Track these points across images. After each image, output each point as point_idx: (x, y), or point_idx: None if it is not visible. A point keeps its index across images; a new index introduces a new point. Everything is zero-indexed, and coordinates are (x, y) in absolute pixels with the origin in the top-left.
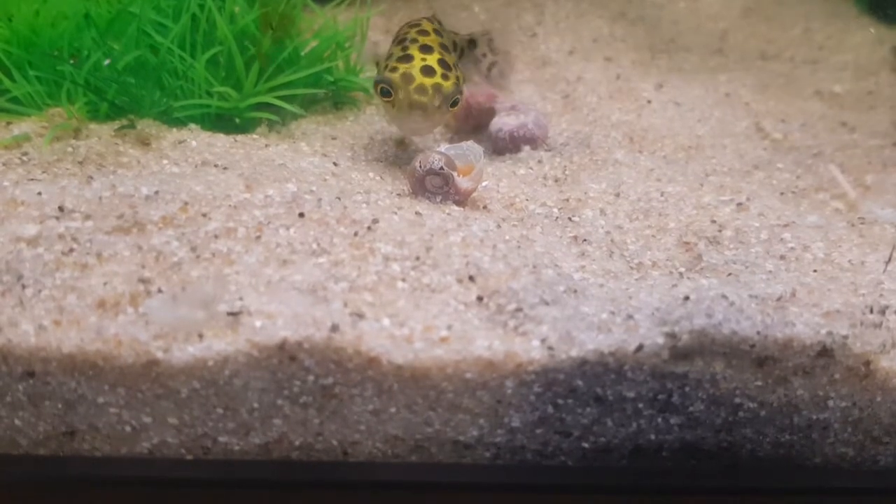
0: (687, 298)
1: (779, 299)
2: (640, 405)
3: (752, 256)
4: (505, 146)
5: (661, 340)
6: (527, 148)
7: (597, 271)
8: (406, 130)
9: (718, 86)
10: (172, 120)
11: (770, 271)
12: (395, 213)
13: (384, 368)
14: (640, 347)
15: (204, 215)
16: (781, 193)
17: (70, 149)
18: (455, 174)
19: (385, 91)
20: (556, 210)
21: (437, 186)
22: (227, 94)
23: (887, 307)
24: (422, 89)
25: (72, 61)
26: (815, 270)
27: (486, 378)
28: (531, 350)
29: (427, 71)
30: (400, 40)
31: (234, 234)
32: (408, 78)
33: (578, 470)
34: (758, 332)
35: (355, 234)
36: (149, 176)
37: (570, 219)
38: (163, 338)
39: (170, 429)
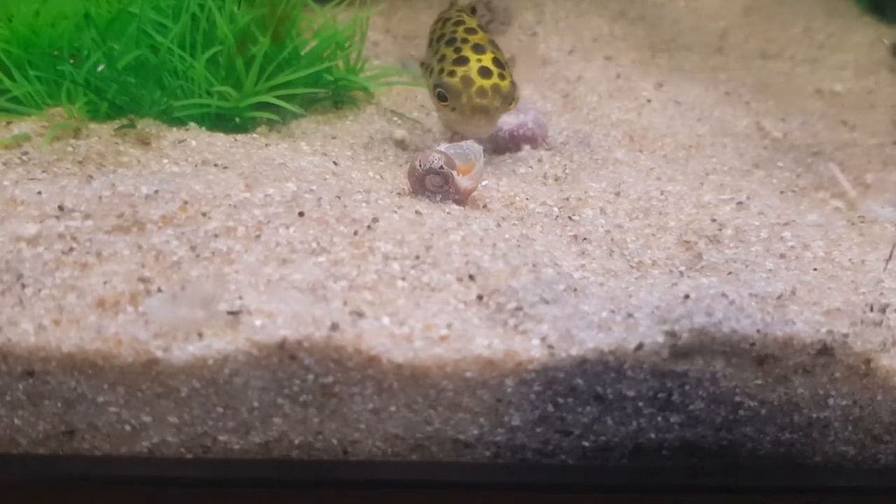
0: (687, 297)
1: (779, 298)
2: (641, 404)
3: (752, 255)
4: (505, 145)
5: (661, 339)
6: (527, 147)
7: (597, 270)
8: (468, 133)
9: (718, 85)
10: (172, 119)
11: (770, 270)
12: (395, 212)
13: (384, 367)
14: (640, 346)
15: (204, 214)
16: (781, 192)
17: (70, 148)
18: (455, 173)
19: (442, 95)
20: (556, 209)
21: (436, 185)
22: (227, 94)
23: (887, 305)
24: (482, 92)
25: (72, 61)
26: (815, 269)
27: (486, 377)
28: (531, 349)
29: (484, 73)
30: (449, 40)
31: (234, 233)
32: (468, 82)
33: (579, 469)
34: (758, 331)
35: (355, 233)
36: (149, 175)
37: (570, 218)
38: (162, 337)
39: (170, 428)
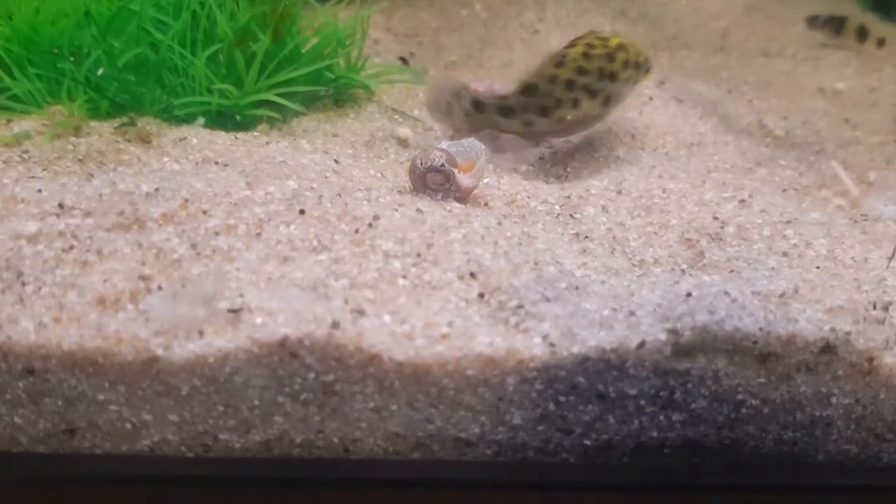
0: (689, 295)
1: (781, 296)
2: (643, 402)
3: (754, 253)
4: (507, 142)
5: (663, 337)
6: (528, 145)
7: (598, 268)
8: None
9: (720, 83)
10: (173, 117)
11: (773, 268)
12: (396, 210)
13: (385, 365)
14: (642, 344)
15: (204, 212)
16: (784, 190)
17: (70, 146)
18: (456, 171)
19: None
20: (557, 207)
21: (438, 183)
22: (227, 92)
23: (890, 303)
24: None
25: (72, 59)
26: (817, 267)
27: (488, 375)
28: (533, 347)
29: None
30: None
31: (235, 231)
32: None
33: (580, 467)
34: (760, 329)
35: (356, 230)
36: (149, 173)
37: (571, 216)
38: (163, 335)
39: (170, 426)
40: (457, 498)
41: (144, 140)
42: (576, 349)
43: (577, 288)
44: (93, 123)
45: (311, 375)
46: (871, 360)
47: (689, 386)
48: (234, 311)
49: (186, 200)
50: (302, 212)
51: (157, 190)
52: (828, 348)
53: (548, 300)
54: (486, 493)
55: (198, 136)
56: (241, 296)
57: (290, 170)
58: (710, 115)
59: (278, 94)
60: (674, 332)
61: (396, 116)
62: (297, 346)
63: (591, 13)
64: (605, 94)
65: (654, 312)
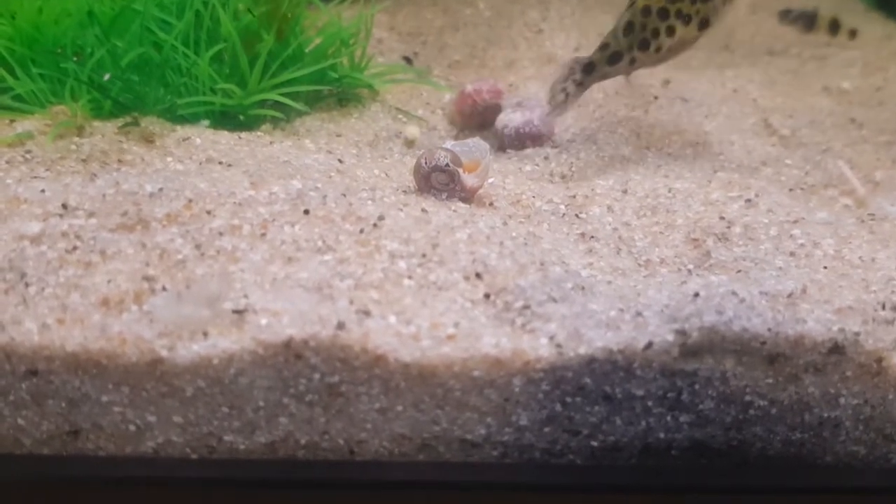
0: (696, 295)
1: (789, 296)
2: (650, 403)
3: (761, 253)
4: (511, 143)
5: (670, 338)
6: (533, 145)
7: (605, 268)
8: None
9: (726, 82)
10: (177, 117)
11: (780, 268)
12: (401, 210)
13: (391, 366)
14: (649, 345)
15: (208, 213)
16: (790, 190)
17: (74, 146)
18: (461, 171)
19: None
20: (563, 207)
21: (442, 183)
22: (231, 92)
23: None
24: None
25: (75, 59)
26: (825, 267)
27: (494, 376)
28: (539, 348)
29: None
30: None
31: (239, 231)
32: None
33: (587, 469)
34: (769, 329)
35: (361, 231)
36: (153, 173)
37: (577, 216)
38: (167, 336)
39: (174, 428)
40: (463, 500)
41: (148, 140)
42: (582, 350)
43: (583, 288)
44: (96, 123)
45: (317, 376)
46: (879, 360)
47: (697, 387)
48: (239, 312)
49: (190, 201)
50: (306, 212)
51: (160, 190)
52: (836, 349)
53: (554, 301)
54: (492, 495)
55: (201, 136)
56: (246, 296)
57: (295, 170)
58: (716, 115)
59: (282, 94)
60: (681, 332)
61: (400, 116)
62: (302, 347)
63: (596, 11)
64: (701, 16)
65: (661, 313)
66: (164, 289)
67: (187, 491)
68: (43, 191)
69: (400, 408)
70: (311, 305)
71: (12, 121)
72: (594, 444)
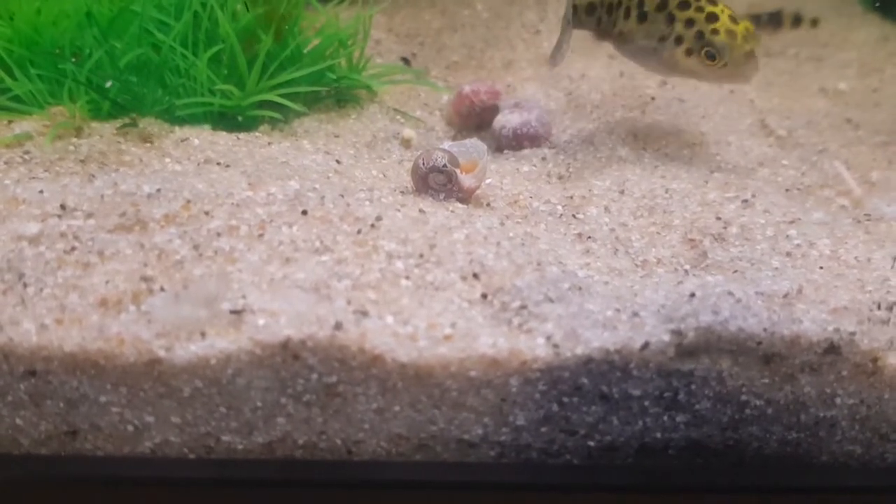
0: (693, 295)
1: (785, 296)
2: (646, 403)
3: (757, 253)
4: (508, 143)
5: (666, 338)
6: (530, 145)
7: (601, 269)
8: (742, 80)
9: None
10: (175, 118)
11: (776, 268)
12: (399, 211)
13: (388, 366)
14: (645, 345)
15: (206, 213)
16: (787, 190)
17: (72, 147)
18: (458, 171)
19: (710, 54)
20: (560, 207)
21: (440, 184)
22: (229, 92)
23: (894, 303)
24: (745, 37)
25: (73, 60)
26: (821, 267)
27: (491, 376)
28: (536, 348)
29: (732, 20)
30: (681, 3)
31: (237, 231)
32: (731, 34)
33: (584, 469)
34: (764, 329)
35: (358, 231)
36: (151, 174)
37: (574, 216)
38: (165, 336)
39: (172, 428)
40: (460, 500)
41: (146, 141)
42: (579, 350)
43: (580, 288)
44: (94, 124)
45: (314, 377)
46: (875, 360)
47: (693, 387)
48: (237, 313)
49: (188, 201)
50: (304, 212)
51: (158, 191)
52: (832, 349)
53: (551, 301)
54: (489, 495)
55: (199, 136)
56: (244, 297)
57: (292, 170)
58: (713, 116)
59: (280, 95)
60: (677, 332)
61: (398, 117)
62: (300, 347)
63: None
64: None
65: (657, 313)
66: (161, 289)
67: (185, 491)
68: (41, 191)
69: (397, 408)
70: (308, 306)
71: (11, 122)
72: (591, 444)
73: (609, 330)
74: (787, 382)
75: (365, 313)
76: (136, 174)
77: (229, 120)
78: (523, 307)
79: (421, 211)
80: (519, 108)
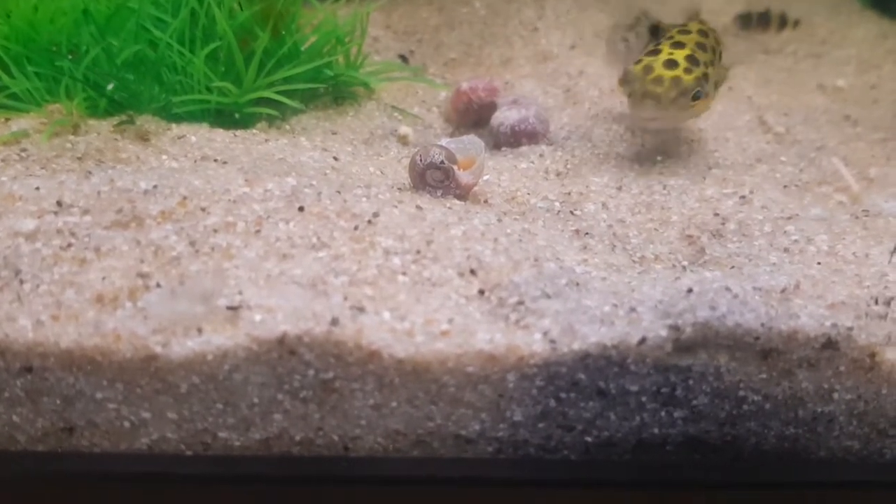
0: (690, 291)
1: (783, 291)
2: (644, 399)
3: (755, 249)
4: (506, 140)
5: (664, 333)
6: (528, 142)
7: (599, 265)
8: (638, 121)
9: None
10: (172, 115)
11: (774, 264)
12: (396, 207)
13: (385, 362)
14: (643, 340)
15: (203, 210)
16: (785, 186)
17: (69, 144)
18: (456, 168)
19: (621, 79)
20: (557, 204)
21: (437, 180)
22: (226, 90)
23: (892, 299)
24: (658, 80)
25: (70, 57)
26: (819, 263)
27: (488, 372)
28: (533, 343)
29: (670, 64)
30: (666, 38)
31: (234, 228)
32: (648, 69)
33: (581, 464)
34: (762, 325)
35: (355, 227)
36: (148, 171)
37: (571, 212)
38: (162, 332)
39: (169, 424)
40: (457, 495)
41: (143, 138)
42: (576, 346)
43: (577, 284)
44: (91, 121)
45: (311, 373)
46: (872, 355)
47: (691, 382)
48: (233, 309)
49: (185, 198)
50: (301, 209)
51: (155, 187)
52: (829, 344)
53: (548, 297)
54: (486, 491)
55: (196, 133)
56: (240, 293)
57: (290, 167)
58: (711, 112)
59: (277, 92)
60: (675, 328)
61: (396, 114)
62: (297, 343)
63: (591, 10)
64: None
65: (655, 308)
66: (158, 285)
67: (182, 487)
68: (38, 188)
69: (394, 404)
70: (305, 302)
71: (8, 119)
72: (588, 439)
73: (606, 325)
74: (784, 378)
75: (362, 309)
76: (132, 171)
77: (226, 117)
78: (520, 303)
79: (418, 207)
80: (517, 104)
